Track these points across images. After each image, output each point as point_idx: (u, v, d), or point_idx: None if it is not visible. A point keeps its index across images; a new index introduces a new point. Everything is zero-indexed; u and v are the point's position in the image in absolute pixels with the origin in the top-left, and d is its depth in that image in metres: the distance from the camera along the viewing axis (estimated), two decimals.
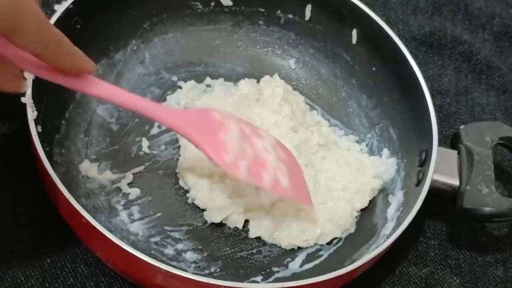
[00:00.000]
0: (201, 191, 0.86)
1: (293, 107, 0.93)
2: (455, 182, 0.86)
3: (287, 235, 0.86)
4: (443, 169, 0.85)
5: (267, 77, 0.98)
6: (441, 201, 0.89)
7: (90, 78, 0.69)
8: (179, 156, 0.90)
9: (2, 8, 0.56)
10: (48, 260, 0.81)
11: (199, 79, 0.98)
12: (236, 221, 0.86)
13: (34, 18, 0.60)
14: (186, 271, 0.76)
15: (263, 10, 1.02)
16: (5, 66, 0.67)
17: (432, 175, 0.83)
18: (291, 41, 1.03)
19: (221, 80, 0.99)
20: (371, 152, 0.95)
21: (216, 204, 0.85)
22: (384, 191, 0.91)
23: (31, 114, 0.76)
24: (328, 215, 0.87)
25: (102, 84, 0.70)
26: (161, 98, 0.96)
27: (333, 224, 0.87)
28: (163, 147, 0.92)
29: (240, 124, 0.82)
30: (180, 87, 0.97)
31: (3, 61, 0.65)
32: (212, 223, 0.86)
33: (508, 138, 0.91)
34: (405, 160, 0.91)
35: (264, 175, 0.79)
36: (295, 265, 0.85)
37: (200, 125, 0.78)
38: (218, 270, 0.83)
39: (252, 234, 0.86)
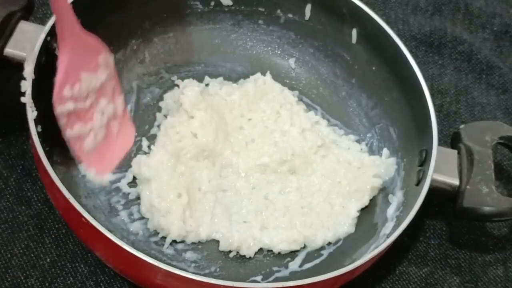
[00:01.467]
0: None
1: (280, 108, 0.95)
2: (455, 181, 0.86)
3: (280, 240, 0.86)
4: (443, 168, 0.85)
5: (258, 74, 0.99)
6: (441, 200, 0.89)
7: None
8: None
9: None
10: (48, 260, 0.82)
11: (199, 79, 0.98)
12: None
13: None
14: (186, 270, 0.76)
15: (263, 10, 1.02)
16: None
17: (432, 174, 0.83)
18: (291, 41, 1.03)
19: (220, 79, 0.99)
20: (371, 152, 0.95)
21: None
22: (384, 191, 0.91)
23: (31, 114, 0.76)
24: (328, 216, 0.87)
25: None
26: (161, 98, 0.96)
27: (333, 225, 0.87)
28: None
29: (108, 79, 0.84)
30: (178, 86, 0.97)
31: None
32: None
33: (508, 137, 0.90)
34: (405, 160, 0.91)
35: (76, 126, 0.81)
36: (295, 265, 0.85)
37: (79, 52, 0.79)
38: (218, 269, 0.83)
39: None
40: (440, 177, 0.85)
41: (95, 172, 0.84)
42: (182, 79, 0.98)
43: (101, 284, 0.82)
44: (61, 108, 0.79)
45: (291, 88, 1.01)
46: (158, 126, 0.93)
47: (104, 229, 0.70)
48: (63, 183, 0.73)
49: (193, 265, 0.82)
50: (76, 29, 0.79)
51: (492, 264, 0.92)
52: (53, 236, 0.83)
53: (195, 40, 1.02)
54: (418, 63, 0.92)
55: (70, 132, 0.81)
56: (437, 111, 0.91)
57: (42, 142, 0.75)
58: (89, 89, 0.82)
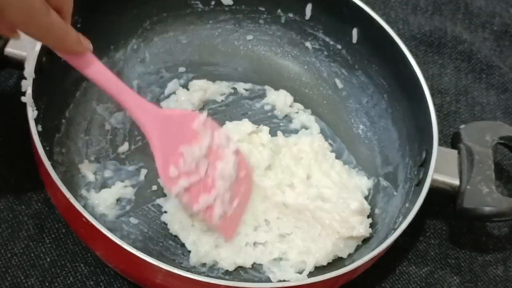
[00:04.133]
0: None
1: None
2: (455, 181, 0.86)
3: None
4: (443, 168, 0.85)
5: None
6: (441, 200, 0.89)
7: (86, 57, 0.72)
8: None
9: None
10: (48, 259, 0.82)
11: (199, 79, 0.98)
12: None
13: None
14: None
15: (264, 9, 1.02)
16: None
17: (432, 174, 0.83)
18: (291, 40, 1.03)
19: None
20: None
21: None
22: (385, 190, 0.91)
23: (31, 113, 0.76)
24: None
25: (95, 65, 0.73)
26: (161, 97, 0.96)
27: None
28: None
29: (213, 140, 0.81)
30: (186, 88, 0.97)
31: None
32: None
33: (508, 137, 0.90)
34: (405, 160, 0.91)
35: (201, 199, 0.79)
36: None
37: (167, 130, 0.78)
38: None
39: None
40: (440, 177, 0.85)
41: (225, 237, 0.82)
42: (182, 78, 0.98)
43: (101, 284, 0.81)
44: (175, 188, 0.77)
45: (291, 88, 1.01)
46: None
47: (104, 229, 0.70)
48: (63, 182, 0.73)
49: None
50: (154, 112, 0.78)
51: (492, 263, 0.92)
52: (53, 235, 0.83)
53: (195, 40, 1.02)
54: (418, 63, 0.91)
55: (198, 206, 0.79)
56: (437, 110, 0.90)
57: (42, 142, 0.75)
58: (196, 159, 0.79)
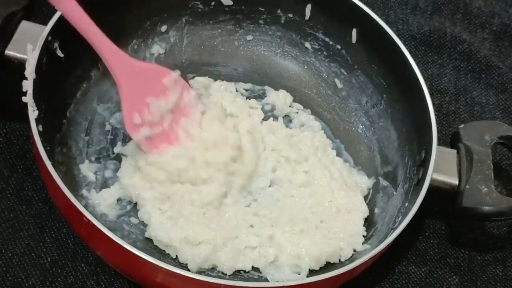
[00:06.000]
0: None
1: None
2: (455, 181, 0.86)
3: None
4: (442, 168, 0.85)
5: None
6: (440, 200, 0.89)
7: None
8: None
9: None
10: (49, 259, 0.82)
11: None
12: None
13: None
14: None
15: (264, 10, 1.02)
16: None
17: (431, 174, 0.83)
18: (291, 41, 1.04)
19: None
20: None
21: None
22: (384, 190, 0.91)
23: (32, 113, 0.77)
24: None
25: (76, 8, 0.78)
26: None
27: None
28: None
29: (182, 98, 0.86)
30: None
31: None
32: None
33: (507, 137, 0.91)
34: (405, 159, 0.91)
35: (162, 146, 0.84)
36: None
37: (137, 79, 0.83)
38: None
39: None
40: (439, 177, 0.85)
41: None
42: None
43: (102, 283, 0.82)
44: (137, 135, 0.83)
45: (291, 88, 1.01)
46: None
47: (105, 229, 0.71)
48: (64, 182, 0.73)
49: None
50: (126, 60, 0.83)
51: (491, 263, 0.93)
52: (53, 235, 0.83)
53: (195, 40, 1.02)
54: (417, 63, 0.92)
55: (157, 150, 0.84)
56: (437, 110, 0.91)
57: (43, 142, 0.75)
58: (162, 112, 0.84)
